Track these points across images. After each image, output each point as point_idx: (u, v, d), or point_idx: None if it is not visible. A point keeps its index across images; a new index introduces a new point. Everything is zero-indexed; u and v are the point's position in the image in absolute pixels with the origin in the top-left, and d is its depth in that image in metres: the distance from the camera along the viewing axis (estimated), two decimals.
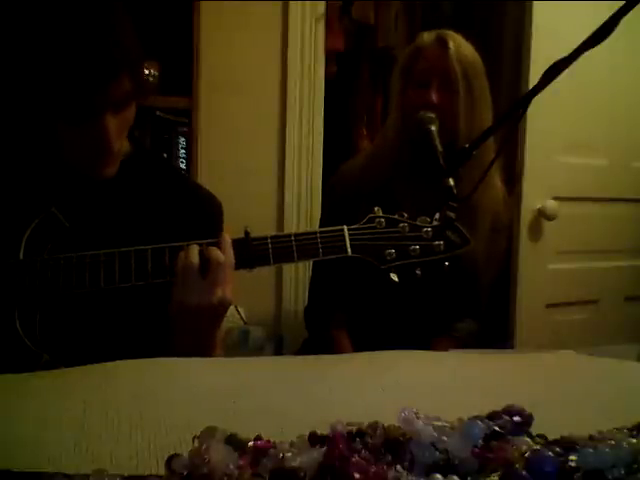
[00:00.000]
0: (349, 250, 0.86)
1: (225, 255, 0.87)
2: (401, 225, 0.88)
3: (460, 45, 1.46)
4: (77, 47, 0.84)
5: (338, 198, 1.59)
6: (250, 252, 0.87)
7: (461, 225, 0.91)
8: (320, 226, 1.67)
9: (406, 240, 0.88)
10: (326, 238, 0.87)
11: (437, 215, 0.90)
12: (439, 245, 0.88)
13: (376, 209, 0.89)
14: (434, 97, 1.43)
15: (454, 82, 1.43)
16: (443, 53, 1.44)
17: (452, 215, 0.89)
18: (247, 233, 0.87)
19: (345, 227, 0.87)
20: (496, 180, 1.56)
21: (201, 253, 0.87)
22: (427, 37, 1.50)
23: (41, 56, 0.85)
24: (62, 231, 0.91)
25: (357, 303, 1.54)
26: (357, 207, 1.47)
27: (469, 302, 1.52)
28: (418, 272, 0.88)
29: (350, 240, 0.87)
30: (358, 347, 1.54)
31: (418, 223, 0.89)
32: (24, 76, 0.89)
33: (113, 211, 1.02)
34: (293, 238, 0.87)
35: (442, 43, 1.46)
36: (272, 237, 0.87)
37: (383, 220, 0.88)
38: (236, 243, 0.87)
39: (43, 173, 0.99)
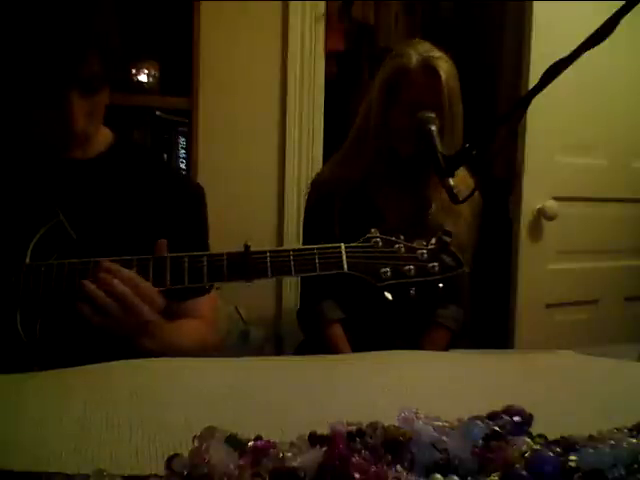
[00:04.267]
0: (345, 267, 0.88)
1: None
2: (397, 246, 0.90)
3: (449, 72, 1.44)
4: (47, 24, 0.85)
5: (314, 203, 1.61)
6: (249, 265, 0.88)
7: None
8: (304, 230, 1.69)
9: (401, 260, 0.90)
10: (323, 254, 0.89)
11: (433, 239, 0.91)
12: (434, 267, 0.89)
13: (373, 230, 0.91)
14: None
15: (441, 113, 1.40)
16: (433, 83, 1.41)
17: (447, 239, 0.91)
18: (247, 247, 0.88)
19: (342, 245, 0.89)
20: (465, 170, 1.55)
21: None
22: (415, 60, 1.45)
23: (9, 31, 0.86)
24: (67, 234, 0.92)
25: (347, 298, 1.54)
26: (334, 212, 1.49)
27: (450, 287, 1.52)
28: (412, 292, 0.90)
29: (347, 257, 0.88)
30: (349, 342, 1.54)
31: (414, 245, 0.91)
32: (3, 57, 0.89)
33: (97, 200, 1.02)
34: (291, 253, 0.89)
35: (432, 72, 1.42)
36: (271, 251, 0.89)
37: (380, 240, 0.90)
38: (236, 256, 0.88)
39: (33, 164, 1.00)
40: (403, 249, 0.90)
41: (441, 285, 0.90)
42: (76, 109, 0.91)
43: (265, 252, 0.88)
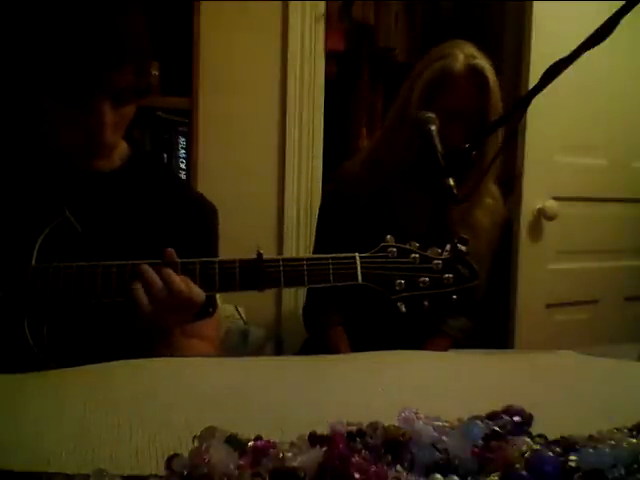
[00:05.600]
0: (360, 278, 0.87)
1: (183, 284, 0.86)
2: (412, 256, 0.88)
3: (495, 81, 1.38)
4: (88, 30, 0.85)
5: (338, 203, 1.57)
6: (261, 274, 0.86)
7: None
8: (317, 231, 1.67)
9: (416, 271, 0.88)
10: (338, 264, 0.87)
11: (448, 247, 0.89)
12: (449, 278, 0.88)
13: (388, 237, 0.89)
14: (462, 136, 1.33)
15: (490, 120, 1.36)
16: (480, 90, 1.36)
17: (463, 248, 0.89)
18: (260, 254, 0.86)
19: (357, 255, 0.87)
20: (490, 179, 1.53)
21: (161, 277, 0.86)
22: (462, 63, 1.38)
23: (50, 35, 0.85)
24: (74, 236, 0.91)
25: (352, 303, 1.54)
26: (355, 211, 1.48)
27: (464, 300, 1.51)
28: (426, 303, 0.88)
29: (361, 268, 0.87)
30: (352, 345, 1.54)
31: (429, 254, 0.89)
32: (29, 54, 0.88)
33: (116, 212, 1.02)
34: (305, 262, 0.87)
35: (477, 75, 1.37)
36: (284, 260, 0.87)
37: (395, 250, 0.88)
38: (248, 264, 0.86)
39: (46, 171, 0.99)
40: (418, 259, 0.88)
41: (455, 297, 0.88)
42: (107, 119, 0.90)
43: (278, 260, 0.86)
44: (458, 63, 1.38)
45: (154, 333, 0.91)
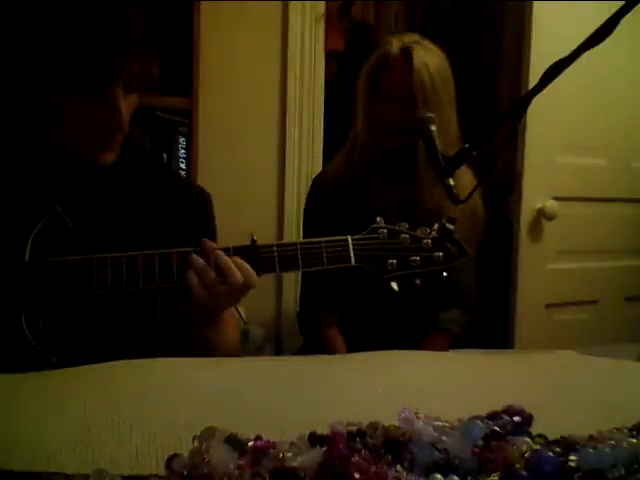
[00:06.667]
0: (353, 260, 0.88)
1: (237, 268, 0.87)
2: (402, 236, 0.90)
3: (425, 56, 1.42)
4: (100, 21, 0.86)
5: (318, 202, 1.61)
6: (256, 259, 0.87)
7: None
8: (303, 231, 1.69)
9: (407, 251, 0.90)
10: (331, 248, 0.88)
11: (436, 226, 0.91)
12: (438, 256, 0.89)
13: (378, 219, 0.91)
14: (399, 115, 1.42)
15: (417, 98, 1.40)
16: (408, 67, 1.41)
17: (451, 227, 0.91)
18: (253, 240, 0.88)
19: (349, 237, 0.89)
20: (465, 170, 1.54)
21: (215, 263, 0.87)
22: (395, 46, 1.45)
23: (63, 26, 0.85)
24: (66, 231, 0.91)
25: (346, 300, 1.54)
26: (334, 208, 1.50)
27: (454, 290, 1.52)
28: (418, 282, 0.90)
29: (354, 250, 0.88)
30: (348, 344, 1.54)
31: (418, 234, 0.91)
32: (41, 46, 0.87)
33: (107, 206, 1.01)
34: (299, 246, 0.88)
35: (407, 56, 1.42)
36: (278, 245, 0.89)
37: (385, 231, 0.90)
38: (242, 250, 0.88)
39: (43, 168, 0.99)
40: (408, 239, 0.90)
41: (445, 274, 0.90)
42: (123, 107, 0.90)
43: (272, 245, 0.88)
44: (394, 47, 1.46)
45: (204, 317, 0.92)
